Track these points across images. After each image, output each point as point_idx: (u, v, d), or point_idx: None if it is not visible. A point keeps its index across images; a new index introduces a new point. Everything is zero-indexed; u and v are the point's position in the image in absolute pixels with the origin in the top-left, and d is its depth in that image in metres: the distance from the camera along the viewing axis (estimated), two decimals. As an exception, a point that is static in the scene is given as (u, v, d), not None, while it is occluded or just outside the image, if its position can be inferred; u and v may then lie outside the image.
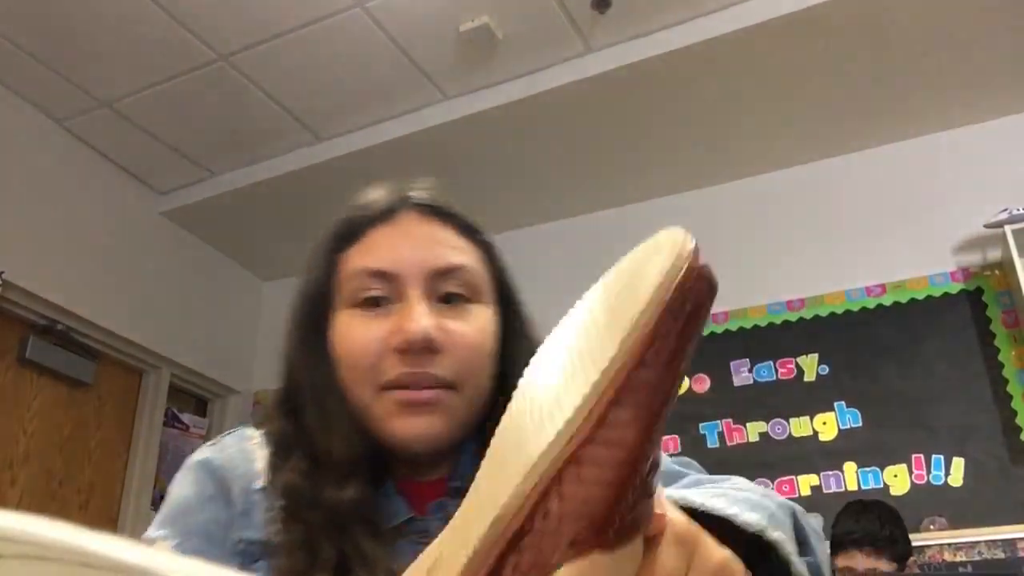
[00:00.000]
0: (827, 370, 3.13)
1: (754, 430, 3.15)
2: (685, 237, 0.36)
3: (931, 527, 2.72)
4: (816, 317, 3.23)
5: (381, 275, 0.69)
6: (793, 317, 3.26)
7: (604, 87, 3.02)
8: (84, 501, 3.30)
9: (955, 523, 2.71)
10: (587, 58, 3.00)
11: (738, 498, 0.51)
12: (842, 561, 2.09)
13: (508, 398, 0.62)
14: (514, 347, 0.73)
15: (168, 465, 3.59)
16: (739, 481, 0.63)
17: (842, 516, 2.20)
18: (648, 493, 0.37)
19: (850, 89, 3.04)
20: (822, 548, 0.57)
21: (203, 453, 0.73)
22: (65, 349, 3.28)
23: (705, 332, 2.87)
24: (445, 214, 0.74)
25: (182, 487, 0.70)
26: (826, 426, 3.06)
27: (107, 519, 3.39)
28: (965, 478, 2.82)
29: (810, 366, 3.17)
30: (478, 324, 0.71)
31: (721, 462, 3.15)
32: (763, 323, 3.29)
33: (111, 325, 3.41)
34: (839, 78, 2.99)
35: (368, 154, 3.37)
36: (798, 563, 0.49)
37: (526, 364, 0.66)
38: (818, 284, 3.25)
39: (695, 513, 0.44)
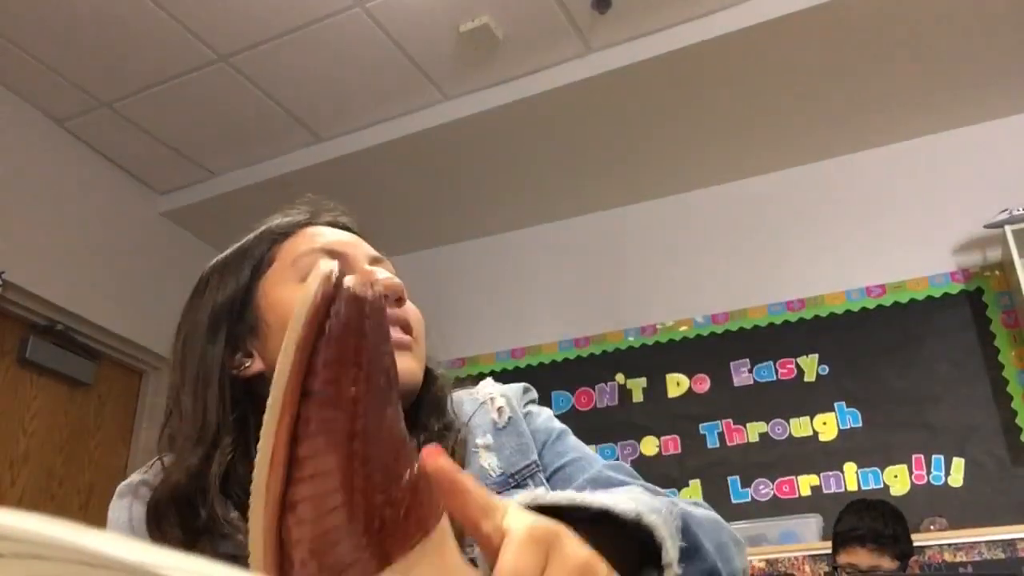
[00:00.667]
0: (827, 370, 3.13)
1: (754, 430, 3.15)
2: (327, 268, 0.38)
3: (931, 527, 2.72)
4: (816, 317, 3.22)
5: (332, 252, 0.75)
6: (793, 317, 3.26)
7: (604, 87, 3.02)
8: (84, 501, 3.30)
9: (955, 523, 2.71)
10: (587, 58, 3.00)
11: (623, 496, 0.51)
12: (845, 558, 2.09)
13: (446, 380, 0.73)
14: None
15: (168, 465, 3.59)
16: (648, 487, 0.65)
17: (845, 514, 2.20)
18: (418, 498, 0.37)
19: (850, 89, 3.04)
20: (730, 556, 0.58)
21: (134, 477, 0.74)
22: (65, 349, 3.28)
23: (706, 332, 2.87)
24: (357, 232, 0.84)
25: (117, 513, 0.72)
26: (826, 426, 3.06)
27: (106, 519, 3.39)
28: (965, 478, 2.82)
29: (810, 366, 3.17)
30: (413, 305, 0.78)
31: (721, 462, 3.15)
32: (763, 323, 3.29)
33: (111, 325, 3.41)
34: (839, 78, 2.99)
35: (368, 154, 3.37)
36: (671, 547, 0.50)
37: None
38: (818, 284, 3.25)
39: (575, 518, 0.45)
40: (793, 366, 3.19)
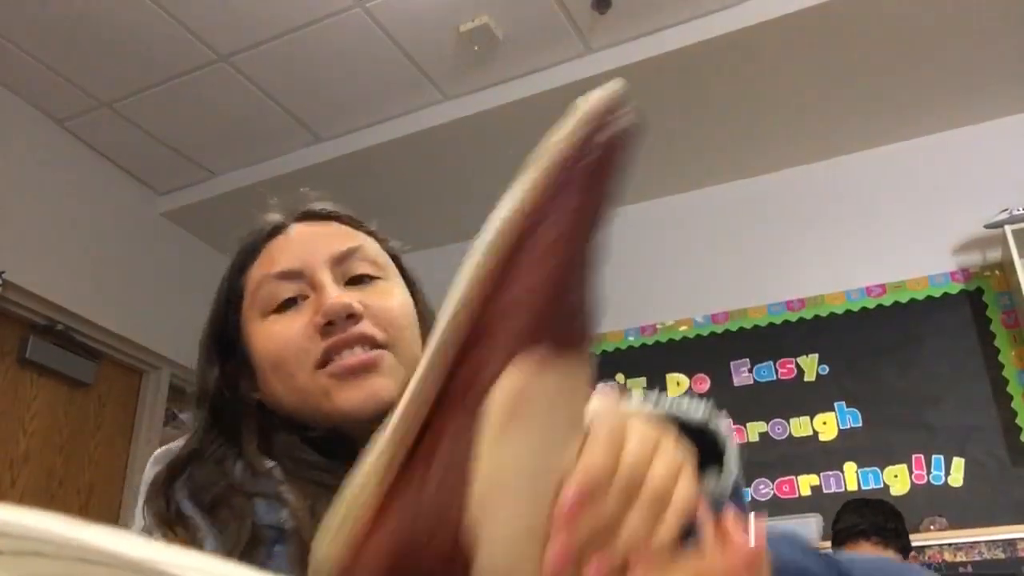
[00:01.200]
0: (827, 370, 3.13)
1: (754, 430, 3.15)
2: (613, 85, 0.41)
3: (931, 527, 2.72)
4: (816, 317, 3.22)
5: (287, 275, 0.71)
6: (793, 317, 3.26)
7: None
8: (84, 501, 3.30)
9: (955, 523, 2.70)
10: (587, 58, 3.01)
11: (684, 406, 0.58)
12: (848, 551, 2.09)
13: None
14: (423, 326, 0.75)
15: (168, 465, 3.59)
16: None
17: (843, 512, 2.21)
18: (589, 303, 0.41)
19: (850, 89, 3.04)
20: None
21: (172, 445, 0.73)
22: (65, 349, 3.28)
23: (706, 332, 2.87)
24: (329, 215, 0.78)
25: (147, 475, 0.69)
26: (826, 426, 3.06)
27: (107, 519, 3.38)
28: (965, 478, 2.82)
29: (810, 366, 3.17)
30: (394, 295, 0.73)
31: (721, 462, 3.15)
32: (763, 323, 3.29)
33: (111, 325, 3.41)
34: (839, 78, 2.99)
35: (368, 154, 3.37)
36: (733, 451, 0.55)
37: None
38: (818, 284, 3.25)
39: None
40: (793, 366, 3.19)
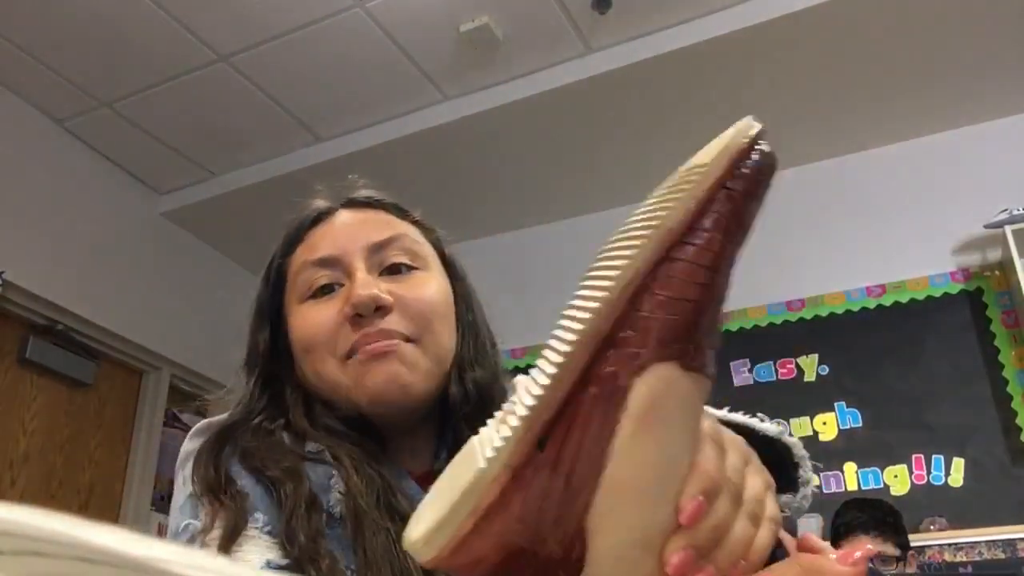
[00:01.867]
0: (827, 370, 3.13)
1: (754, 430, 3.15)
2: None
3: (931, 527, 2.72)
4: (816, 317, 3.22)
5: (324, 262, 0.73)
6: (793, 317, 3.26)
7: (604, 87, 3.02)
8: (84, 501, 3.30)
9: (955, 523, 2.71)
10: (587, 58, 3.01)
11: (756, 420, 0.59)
12: (848, 546, 2.09)
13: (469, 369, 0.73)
14: (465, 321, 0.77)
15: (168, 466, 3.59)
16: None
17: (843, 509, 2.23)
18: (718, 325, 0.42)
19: (849, 90, 3.04)
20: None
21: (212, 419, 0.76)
22: (65, 349, 3.28)
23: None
24: (375, 202, 0.80)
25: (188, 447, 0.73)
26: (826, 426, 3.06)
27: (107, 519, 3.38)
28: (965, 478, 2.82)
29: (810, 366, 3.17)
30: (428, 286, 0.74)
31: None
32: (763, 323, 3.29)
33: (111, 325, 3.41)
34: (839, 79, 2.99)
35: (368, 154, 3.37)
36: (807, 466, 0.57)
37: (475, 337, 0.74)
38: (818, 284, 3.25)
39: None
40: (793, 366, 3.19)
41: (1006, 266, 2.95)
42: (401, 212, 0.81)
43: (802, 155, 3.41)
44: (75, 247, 3.33)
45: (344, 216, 0.78)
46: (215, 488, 0.64)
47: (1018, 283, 2.78)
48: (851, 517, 2.16)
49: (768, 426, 0.58)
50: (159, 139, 3.40)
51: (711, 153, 0.42)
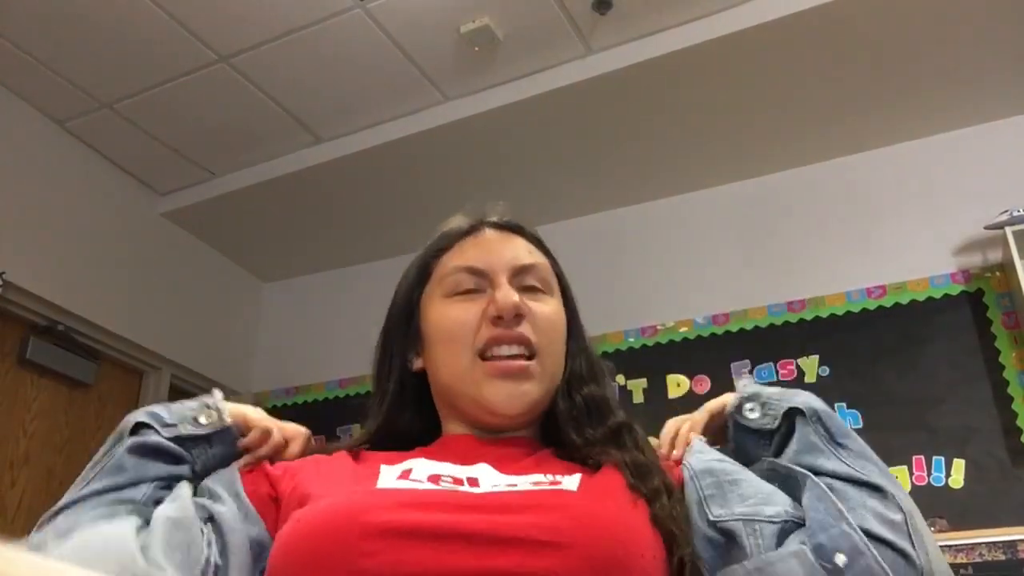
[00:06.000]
0: (828, 371, 3.13)
1: (754, 431, 3.14)
2: None
3: (932, 528, 2.71)
4: (817, 318, 3.22)
5: (474, 271, 0.86)
6: (794, 318, 3.26)
7: (605, 88, 3.02)
8: (84, 502, 3.30)
9: (956, 525, 2.70)
10: (588, 59, 3.00)
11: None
12: None
13: (570, 384, 0.88)
14: (578, 344, 0.91)
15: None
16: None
17: None
18: None
19: (850, 90, 3.04)
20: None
21: None
22: (65, 349, 3.28)
23: (706, 333, 2.87)
24: (517, 228, 0.93)
25: None
26: (826, 427, 3.05)
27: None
28: (966, 480, 2.81)
29: (811, 367, 3.17)
30: (553, 308, 0.88)
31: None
32: (764, 324, 3.29)
33: (111, 325, 3.41)
34: (839, 79, 2.99)
35: (368, 155, 3.37)
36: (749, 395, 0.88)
37: (587, 358, 0.93)
38: (819, 285, 3.25)
39: None
40: (794, 367, 3.19)
41: (1007, 267, 2.94)
42: (538, 242, 0.94)
43: (802, 156, 3.41)
44: (75, 247, 3.33)
45: (491, 234, 0.91)
46: None
47: (1019, 284, 2.78)
48: None
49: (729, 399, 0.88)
50: (159, 139, 3.40)
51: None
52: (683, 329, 3.40)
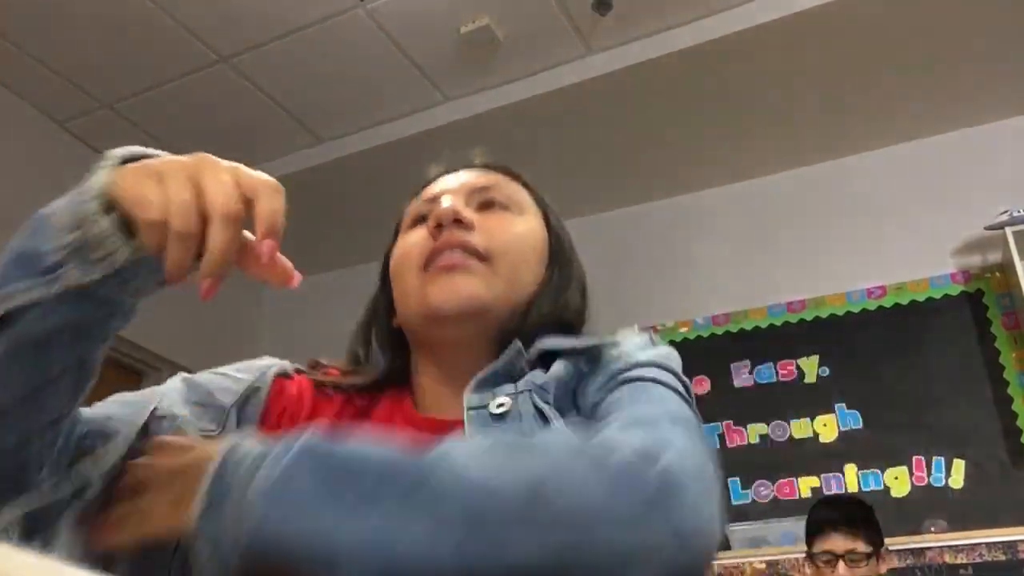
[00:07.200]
0: (828, 372, 3.13)
1: (754, 432, 3.15)
2: None
3: (932, 529, 2.72)
4: (817, 319, 3.22)
5: (430, 199, 0.78)
6: (794, 318, 3.26)
7: (604, 89, 3.02)
8: (84, 502, 3.30)
9: (956, 525, 2.70)
10: (588, 60, 3.00)
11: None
12: (819, 544, 2.11)
13: (552, 314, 0.74)
14: (556, 269, 0.78)
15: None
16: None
17: (816, 507, 2.26)
18: None
19: (850, 91, 3.04)
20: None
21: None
22: (65, 350, 3.28)
23: (706, 333, 2.87)
24: (492, 165, 0.85)
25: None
26: (827, 428, 3.06)
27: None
28: (966, 480, 2.81)
29: (811, 368, 3.16)
30: (516, 224, 0.77)
31: (721, 464, 3.14)
32: (764, 324, 3.29)
33: (111, 326, 3.40)
34: (839, 80, 2.99)
35: (368, 155, 3.37)
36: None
37: (565, 286, 0.79)
38: (819, 285, 3.25)
39: None
40: (793, 367, 3.19)
41: (1007, 268, 2.94)
42: (514, 176, 0.85)
43: (802, 156, 3.41)
44: (75, 248, 3.33)
45: (462, 172, 0.83)
46: None
47: (1019, 285, 2.78)
48: (822, 515, 2.17)
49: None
50: (160, 140, 3.40)
51: None
52: (683, 329, 3.40)
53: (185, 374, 0.76)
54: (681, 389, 0.67)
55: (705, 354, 3.32)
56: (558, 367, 0.68)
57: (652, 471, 0.49)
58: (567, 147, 3.35)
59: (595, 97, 3.06)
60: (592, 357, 0.71)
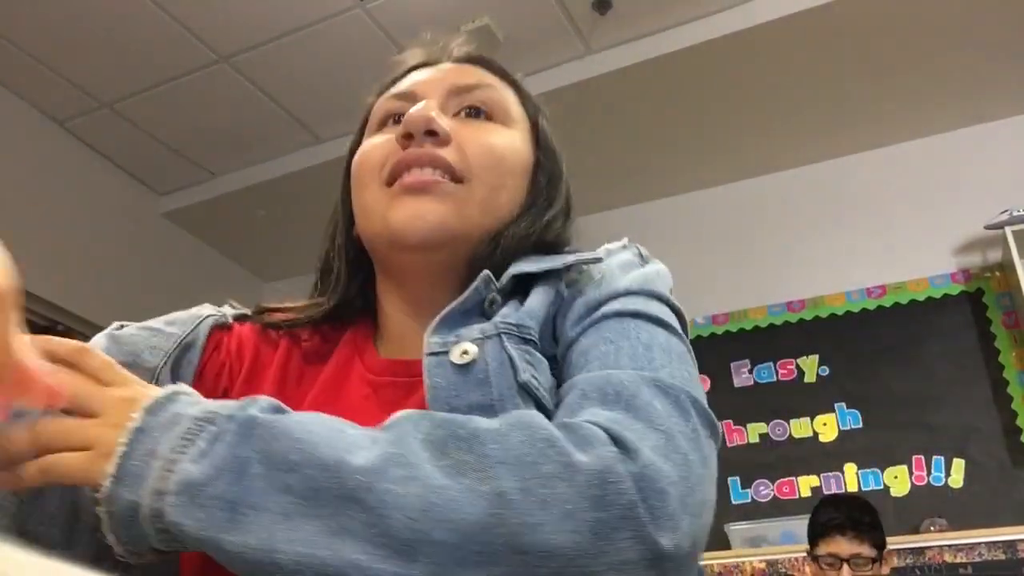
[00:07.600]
0: (827, 371, 3.13)
1: (754, 431, 3.15)
2: None
3: (931, 528, 2.72)
4: (816, 318, 3.22)
5: (401, 96, 0.68)
6: (793, 318, 3.26)
7: (604, 88, 3.02)
8: (84, 502, 3.30)
9: (956, 524, 2.70)
10: (587, 59, 3.00)
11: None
12: (824, 548, 2.09)
13: (528, 236, 0.65)
14: (539, 190, 0.69)
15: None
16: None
17: (820, 507, 2.21)
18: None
19: (850, 90, 3.04)
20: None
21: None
22: (65, 350, 3.28)
23: (706, 333, 2.87)
24: (478, 59, 0.74)
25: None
26: (826, 427, 3.06)
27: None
28: (965, 479, 2.82)
29: (810, 367, 3.17)
30: (499, 137, 0.67)
31: (721, 463, 3.14)
32: (763, 324, 3.29)
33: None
34: (839, 80, 2.99)
35: (368, 155, 3.37)
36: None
37: (547, 208, 0.69)
38: (818, 285, 3.25)
39: None
40: (793, 367, 3.19)
41: (1006, 267, 2.95)
42: (503, 74, 0.75)
43: (802, 156, 3.41)
44: (75, 247, 3.33)
45: (444, 65, 0.72)
46: None
47: (1018, 284, 2.78)
48: (827, 517, 2.14)
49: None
50: (159, 139, 3.40)
51: None
52: (683, 329, 3.40)
53: (113, 330, 0.68)
54: (669, 318, 0.59)
55: (705, 354, 3.32)
56: (535, 296, 0.60)
57: (626, 481, 0.43)
58: (566, 147, 3.33)
59: (595, 97, 3.06)
60: (572, 280, 0.62)
